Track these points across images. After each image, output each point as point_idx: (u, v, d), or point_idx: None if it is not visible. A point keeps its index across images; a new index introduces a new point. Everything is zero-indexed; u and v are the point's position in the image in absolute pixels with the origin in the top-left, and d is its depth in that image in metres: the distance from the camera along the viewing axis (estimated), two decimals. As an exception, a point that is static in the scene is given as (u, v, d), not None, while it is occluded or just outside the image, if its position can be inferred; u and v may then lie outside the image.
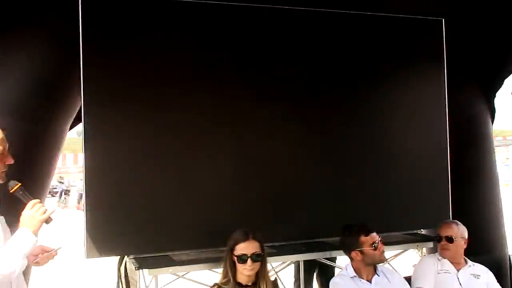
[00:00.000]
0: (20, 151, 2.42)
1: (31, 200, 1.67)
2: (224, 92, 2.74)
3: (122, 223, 2.51)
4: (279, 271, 2.85)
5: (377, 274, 2.31)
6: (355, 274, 2.29)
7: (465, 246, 2.59)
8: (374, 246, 2.27)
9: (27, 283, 2.32)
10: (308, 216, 2.84)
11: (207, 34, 2.74)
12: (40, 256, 1.71)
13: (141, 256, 2.50)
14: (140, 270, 2.38)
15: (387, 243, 2.60)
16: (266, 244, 2.23)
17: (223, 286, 2.07)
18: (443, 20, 3.18)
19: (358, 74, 3.04)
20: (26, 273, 2.37)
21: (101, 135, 2.52)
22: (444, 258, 2.56)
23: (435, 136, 3.17)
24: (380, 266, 2.37)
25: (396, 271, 2.55)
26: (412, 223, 3.09)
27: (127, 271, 2.52)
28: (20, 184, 1.71)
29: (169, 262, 2.45)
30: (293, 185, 2.86)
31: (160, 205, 2.58)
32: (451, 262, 2.55)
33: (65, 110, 3.07)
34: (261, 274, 2.09)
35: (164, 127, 2.62)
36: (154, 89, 2.61)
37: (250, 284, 2.07)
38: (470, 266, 2.58)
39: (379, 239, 2.31)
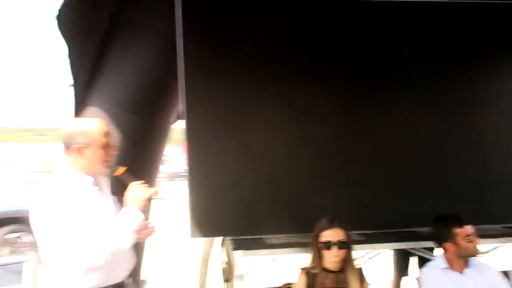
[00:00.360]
0: (132, 141, 2.83)
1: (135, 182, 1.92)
2: (316, 86, 2.85)
3: (222, 206, 2.78)
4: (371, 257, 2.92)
5: (470, 267, 2.26)
6: (448, 266, 2.27)
7: None
8: (469, 238, 2.22)
9: (141, 257, 2.66)
10: (400, 205, 2.85)
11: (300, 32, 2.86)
12: (143, 231, 1.91)
13: (238, 237, 2.75)
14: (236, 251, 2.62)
15: (483, 235, 2.51)
16: (356, 232, 2.31)
17: (311, 271, 2.21)
18: None
19: (472, 64, 2.97)
20: (139, 248, 2.75)
21: (203, 127, 2.80)
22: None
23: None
24: (472, 259, 2.31)
25: (488, 265, 2.45)
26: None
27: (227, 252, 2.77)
28: (125, 168, 1.99)
29: (263, 245, 2.65)
30: (386, 174, 2.89)
31: (257, 190, 2.80)
32: None
33: (170, 104, 3.42)
34: (348, 261, 2.19)
35: (261, 118, 2.83)
36: (253, 83, 2.81)
37: (337, 270, 2.18)
38: None
39: (474, 231, 2.25)
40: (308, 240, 2.33)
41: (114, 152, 1.98)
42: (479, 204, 2.85)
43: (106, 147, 1.92)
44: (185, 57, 2.76)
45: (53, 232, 1.69)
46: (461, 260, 2.27)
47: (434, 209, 2.54)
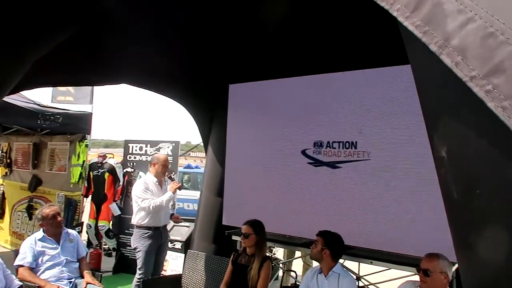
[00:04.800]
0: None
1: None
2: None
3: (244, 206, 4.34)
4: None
5: (330, 273, 2.97)
6: (319, 269, 3.07)
7: (445, 282, 2.58)
8: None
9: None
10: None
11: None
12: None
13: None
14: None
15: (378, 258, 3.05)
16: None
17: (238, 251, 3.53)
18: None
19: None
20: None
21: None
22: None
23: None
24: (339, 268, 2.98)
25: (351, 275, 2.98)
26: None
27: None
28: (170, 174, 4.08)
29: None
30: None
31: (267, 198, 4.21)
32: None
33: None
34: (258, 249, 3.37)
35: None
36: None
37: (250, 254, 3.41)
38: (448, 304, 2.58)
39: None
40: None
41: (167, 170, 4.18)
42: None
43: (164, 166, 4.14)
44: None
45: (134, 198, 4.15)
46: (325, 265, 3.01)
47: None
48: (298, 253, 4.99)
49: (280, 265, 4.92)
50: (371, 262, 3.27)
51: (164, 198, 4.18)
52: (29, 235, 6.55)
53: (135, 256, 5.61)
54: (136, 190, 4.26)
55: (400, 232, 3.24)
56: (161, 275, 4.48)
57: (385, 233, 3.29)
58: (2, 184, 7.50)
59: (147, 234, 4.20)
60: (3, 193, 7.46)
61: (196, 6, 3.76)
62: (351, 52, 3.91)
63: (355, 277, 3.38)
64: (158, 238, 4.29)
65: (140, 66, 4.43)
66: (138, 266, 4.19)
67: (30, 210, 6.82)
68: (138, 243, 4.20)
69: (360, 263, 3.59)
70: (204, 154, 5.33)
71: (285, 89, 4.10)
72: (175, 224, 5.43)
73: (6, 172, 7.41)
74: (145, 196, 4.18)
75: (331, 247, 2.97)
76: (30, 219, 6.81)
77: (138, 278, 4.15)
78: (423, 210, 3.15)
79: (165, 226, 4.43)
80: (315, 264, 4.13)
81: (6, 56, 2.26)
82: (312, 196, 3.86)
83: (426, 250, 2.99)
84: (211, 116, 5.12)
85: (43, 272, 3.60)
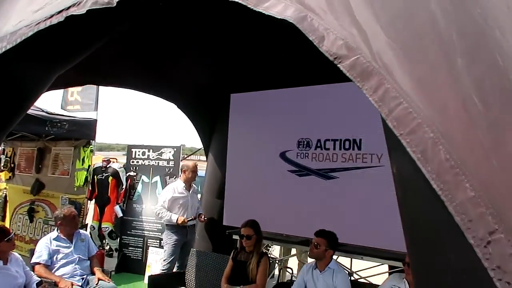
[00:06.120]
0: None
1: None
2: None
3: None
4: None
5: (325, 269, 3.28)
6: (314, 265, 3.38)
7: None
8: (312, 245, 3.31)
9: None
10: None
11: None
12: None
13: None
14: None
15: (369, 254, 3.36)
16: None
17: (237, 249, 3.84)
18: None
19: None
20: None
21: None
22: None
23: None
24: (334, 264, 3.29)
25: (344, 271, 3.30)
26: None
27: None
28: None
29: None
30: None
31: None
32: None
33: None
34: (255, 248, 3.68)
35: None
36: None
37: (248, 251, 3.71)
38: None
39: (314, 242, 3.29)
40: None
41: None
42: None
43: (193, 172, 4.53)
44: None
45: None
46: (320, 262, 3.32)
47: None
48: (293, 251, 5.31)
49: (277, 262, 5.23)
50: (362, 258, 3.60)
51: (168, 217, 4.70)
52: (30, 237, 6.88)
53: (137, 256, 5.91)
54: (160, 199, 4.87)
55: (388, 229, 3.50)
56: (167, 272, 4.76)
57: (375, 230, 3.57)
58: (5, 188, 7.71)
59: (173, 231, 4.76)
60: (5, 196, 7.68)
61: (202, 16, 4.02)
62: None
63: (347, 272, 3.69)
64: (183, 236, 4.81)
65: (143, 71, 4.70)
66: (163, 259, 4.74)
67: (31, 212, 7.04)
68: (165, 238, 4.76)
69: (353, 259, 3.90)
70: (199, 158, 5.62)
71: (284, 99, 4.42)
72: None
73: (9, 176, 7.63)
74: (161, 210, 4.75)
75: (334, 247, 3.27)
76: (31, 221, 7.03)
77: (163, 270, 4.69)
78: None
79: (192, 225, 4.94)
80: (310, 260, 4.47)
81: (38, 69, 2.55)
82: (302, 202, 4.17)
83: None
84: (212, 123, 5.43)
85: (57, 269, 3.87)
